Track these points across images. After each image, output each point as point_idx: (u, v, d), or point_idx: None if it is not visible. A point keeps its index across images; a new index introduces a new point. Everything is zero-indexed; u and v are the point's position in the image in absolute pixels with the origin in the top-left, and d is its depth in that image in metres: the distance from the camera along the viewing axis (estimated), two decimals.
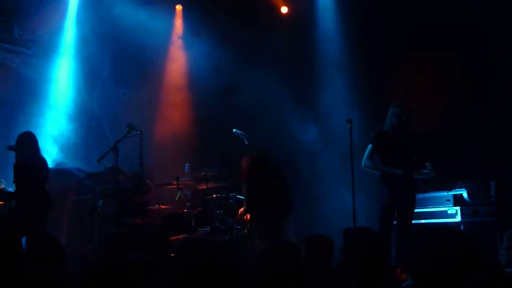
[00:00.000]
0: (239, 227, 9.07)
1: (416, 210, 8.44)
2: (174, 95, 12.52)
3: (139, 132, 8.48)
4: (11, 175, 8.46)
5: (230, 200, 9.61)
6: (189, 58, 12.52)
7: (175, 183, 9.89)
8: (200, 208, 9.86)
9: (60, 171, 10.62)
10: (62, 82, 11.37)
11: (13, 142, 9.44)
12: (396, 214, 8.21)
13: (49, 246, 4.58)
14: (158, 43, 12.09)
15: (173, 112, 12.42)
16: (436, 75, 10.89)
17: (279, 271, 3.20)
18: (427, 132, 9.60)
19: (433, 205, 9.38)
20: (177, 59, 12.63)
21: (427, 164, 7.99)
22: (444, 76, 10.87)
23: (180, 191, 10.16)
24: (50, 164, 10.76)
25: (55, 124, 11.31)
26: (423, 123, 9.32)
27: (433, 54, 10.84)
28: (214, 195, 9.67)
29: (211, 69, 11.76)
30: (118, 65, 11.81)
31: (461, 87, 10.62)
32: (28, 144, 8.54)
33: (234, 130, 8.91)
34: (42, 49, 11.19)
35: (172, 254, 5.27)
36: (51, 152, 11.12)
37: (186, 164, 10.51)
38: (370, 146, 8.28)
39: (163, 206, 9.99)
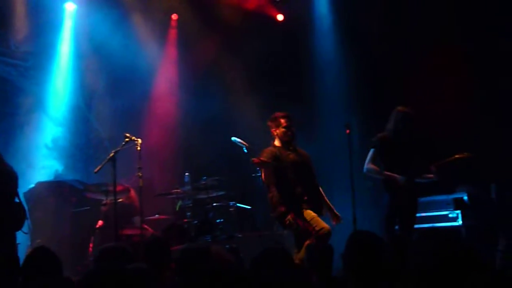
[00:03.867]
0: (239, 236, 9.04)
1: (417, 215, 8.39)
2: (172, 105, 12.50)
3: (136, 141, 8.36)
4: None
5: (231, 209, 9.59)
6: (183, 66, 12.51)
7: (174, 191, 9.86)
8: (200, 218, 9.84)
9: (59, 183, 10.58)
10: (59, 94, 11.35)
11: (12, 155, 9.41)
12: (398, 219, 8.13)
13: (45, 258, 4.56)
14: (153, 52, 12.10)
15: (171, 122, 12.40)
16: (440, 77, 10.74)
17: (276, 278, 3.17)
18: (427, 136, 9.53)
19: (434, 209, 9.34)
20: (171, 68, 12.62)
21: (431, 168, 7.94)
22: (448, 78, 10.72)
23: (180, 201, 10.13)
24: (50, 176, 10.76)
25: (54, 136, 11.28)
26: (424, 127, 9.22)
27: (436, 54, 10.74)
28: (215, 204, 9.66)
29: (209, 75, 11.91)
30: (114, 76, 11.76)
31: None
32: None
33: (232, 138, 8.83)
34: (39, 61, 11.16)
35: (173, 264, 5.24)
36: (49, 164, 11.09)
37: (186, 174, 10.46)
38: (372, 150, 8.14)
39: (163, 216, 9.94)
